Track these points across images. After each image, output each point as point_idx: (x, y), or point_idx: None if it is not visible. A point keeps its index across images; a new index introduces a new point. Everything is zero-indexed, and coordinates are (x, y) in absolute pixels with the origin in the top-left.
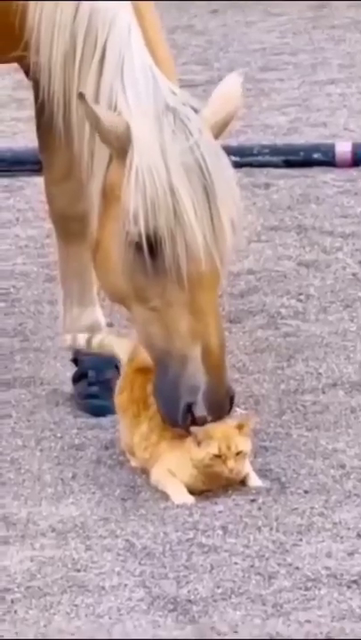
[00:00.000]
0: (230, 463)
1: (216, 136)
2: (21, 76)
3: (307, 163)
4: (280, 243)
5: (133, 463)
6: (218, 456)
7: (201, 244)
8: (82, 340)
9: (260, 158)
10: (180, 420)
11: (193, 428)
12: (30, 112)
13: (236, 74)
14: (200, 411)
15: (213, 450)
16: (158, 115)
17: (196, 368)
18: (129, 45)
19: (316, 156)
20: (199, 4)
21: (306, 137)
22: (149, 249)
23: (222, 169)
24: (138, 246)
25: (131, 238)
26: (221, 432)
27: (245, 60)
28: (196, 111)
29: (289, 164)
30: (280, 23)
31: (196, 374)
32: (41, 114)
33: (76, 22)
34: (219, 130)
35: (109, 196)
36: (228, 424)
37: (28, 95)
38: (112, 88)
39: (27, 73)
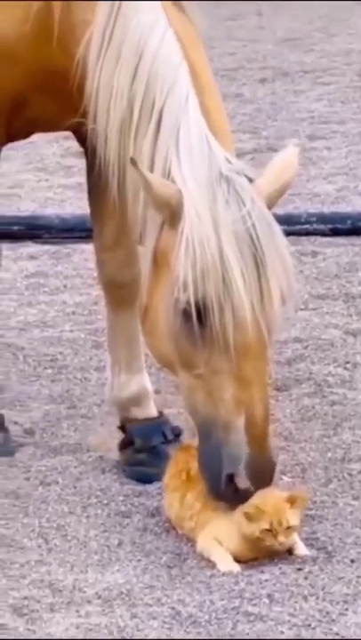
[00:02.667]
0: (281, 538)
1: (271, 205)
2: (70, 143)
3: (354, 231)
4: (327, 311)
5: (180, 531)
6: (268, 530)
7: (248, 313)
8: None
9: (307, 226)
10: (222, 489)
11: (245, 505)
12: (78, 179)
13: (293, 145)
14: (243, 483)
15: (265, 525)
16: (212, 183)
17: (239, 438)
18: (186, 113)
19: None
20: (249, 75)
21: (353, 205)
22: (197, 317)
23: (274, 238)
24: (186, 313)
25: (179, 305)
26: (273, 506)
27: (293, 128)
28: (250, 180)
29: (336, 233)
30: (328, 92)
31: (239, 444)
32: (96, 180)
33: (134, 88)
34: (274, 199)
35: (160, 261)
36: (280, 496)
37: (77, 162)
38: (167, 155)
39: (81, 141)
